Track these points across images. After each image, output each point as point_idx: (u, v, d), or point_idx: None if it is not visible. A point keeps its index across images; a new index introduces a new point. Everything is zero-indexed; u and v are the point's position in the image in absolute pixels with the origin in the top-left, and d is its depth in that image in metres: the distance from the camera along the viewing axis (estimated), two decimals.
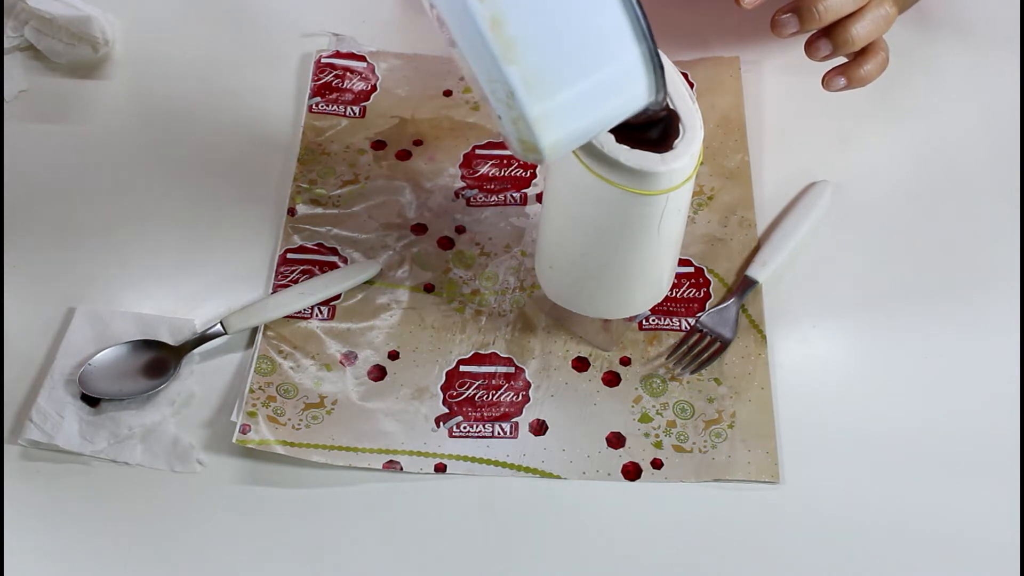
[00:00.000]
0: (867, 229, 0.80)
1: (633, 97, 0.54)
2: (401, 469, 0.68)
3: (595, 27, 0.51)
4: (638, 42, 0.52)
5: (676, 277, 0.75)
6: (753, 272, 0.76)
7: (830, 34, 0.66)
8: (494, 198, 0.81)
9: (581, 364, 0.73)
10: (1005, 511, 0.68)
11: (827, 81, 0.69)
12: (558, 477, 0.68)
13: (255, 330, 0.73)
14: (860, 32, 0.66)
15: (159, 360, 0.71)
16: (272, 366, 0.71)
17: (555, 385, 0.72)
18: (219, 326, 0.72)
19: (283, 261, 0.76)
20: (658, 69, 0.53)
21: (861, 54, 0.68)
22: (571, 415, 0.71)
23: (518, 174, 0.82)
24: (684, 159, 0.60)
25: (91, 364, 0.70)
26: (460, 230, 0.79)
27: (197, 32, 0.90)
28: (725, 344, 0.73)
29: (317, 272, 0.76)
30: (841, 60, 0.68)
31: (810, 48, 0.67)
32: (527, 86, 0.50)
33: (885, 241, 0.80)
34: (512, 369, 0.72)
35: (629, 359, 0.73)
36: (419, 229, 0.79)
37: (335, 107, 0.85)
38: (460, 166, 0.82)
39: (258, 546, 0.65)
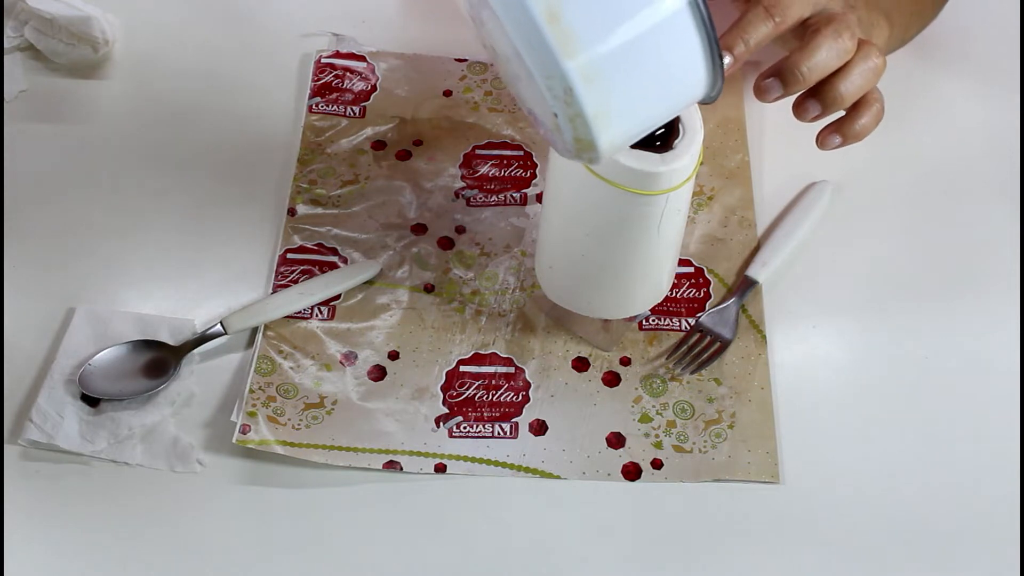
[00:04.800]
0: (867, 229, 0.80)
1: (691, 89, 0.53)
2: (401, 469, 0.68)
3: (652, 17, 0.49)
4: (698, 31, 0.50)
5: (676, 277, 0.75)
6: (753, 272, 0.76)
7: (818, 94, 0.63)
8: (494, 198, 0.81)
9: (581, 364, 0.73)
10: (1005, 510, 0.68)
11: (822, 140, 0.66)
12: (558, 477, 0.68)
13: (255, 330, 0.73)
14: (848, 89, 0.63)
15: (159, 360, 0.71)
16: (272, 366, 0.71)
17: (555, 385, 0.72)
18: (219, 326, 0.72)
19: (283, 261, 0.76)
20: (718, 59, 0.51)
21: (855, 108, 0.65)
22: (571, 415, 0.71)
23: (518, 174, 0.82)
24: (684, 159, 0.60)
25: (91, 364, 0.70)
26: (460, 230, 0.79)
27: (197, 32, 0.90)
28: (725, 344, 0.73)
29: (317, 272, 0.76)
30: (835, 116, 0.67)
31: (798, 110, 0.64)
32: (586, 81, 0.49)
33: (885, 241, 0.80)
34: (512, 369, 0.72)
35: (629, 359, 0.73)
36: (419, 229, 0.79)
37: (335, 107, 0.85)
38: (460, 166, 0.82)
39: (258, 546, 0.65)
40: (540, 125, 0.55)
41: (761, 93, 0.63)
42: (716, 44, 0.51)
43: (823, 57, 0.62)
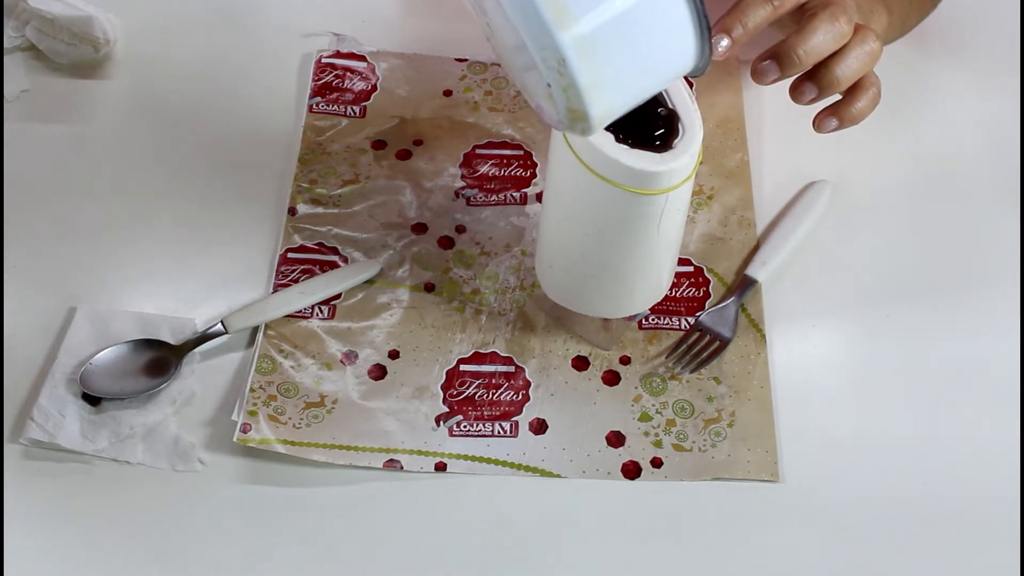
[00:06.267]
0: (866, 229, 0.80)
1: (681, 61, 0.53)
2: (401, 468, 0.68)
3: None
4: (686, 2, 0.51)
5: (676, 276, 0.75)
6: (752, 271, 0.76)
7: (814, 77, 0.63)
8: (494, 198, 0.81)
9: (581, 363, 0.73)
10: (1005, 509, 0.68)
11: (818, 123, 0.66)
12: (558, 476, 0.68)
13: (256, 329, 0.73)
14: (845, 72, 0.63)
15: (160, 359, 0.71)
16: (273, 365, 0.71)
17: (555, 384, 0.72)
18: (220, 325, 0.72)
19: (284, 260, 0.76)
20: (706, 31, 0.52)
21: (851, 91, 0.65)
22: (571, 414, 0.70)
23: (518, 173, 0.82)
24: (684, 159, 0.60)
25: (92, 363, 0.70)
26: (460, 230, 0.79)
27: (198, 32, 0.90)
28: (724, 343, 0.73)
29: (318, 271, 0.76)
30: (831, 99, 0.67)
31: (795, 93, 0.64)
32: (579, 52, 0.50)
33: (884, 241, 0.80)
34: (512, 368, 0.72)
35: (629, 358, 0.73)
36: (419, 228, 0.79)
37: (336, 107, 0.85)
38: (460, 166, 0.82)
39: (259, 545, 0.65)
40: (542, 112, 0.55)
41: (758, 75, 0.63)
42: (704, 16, 0.52)
43: (819, 40, 0.62)
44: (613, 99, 0.53)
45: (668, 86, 0.60)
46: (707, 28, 0.52)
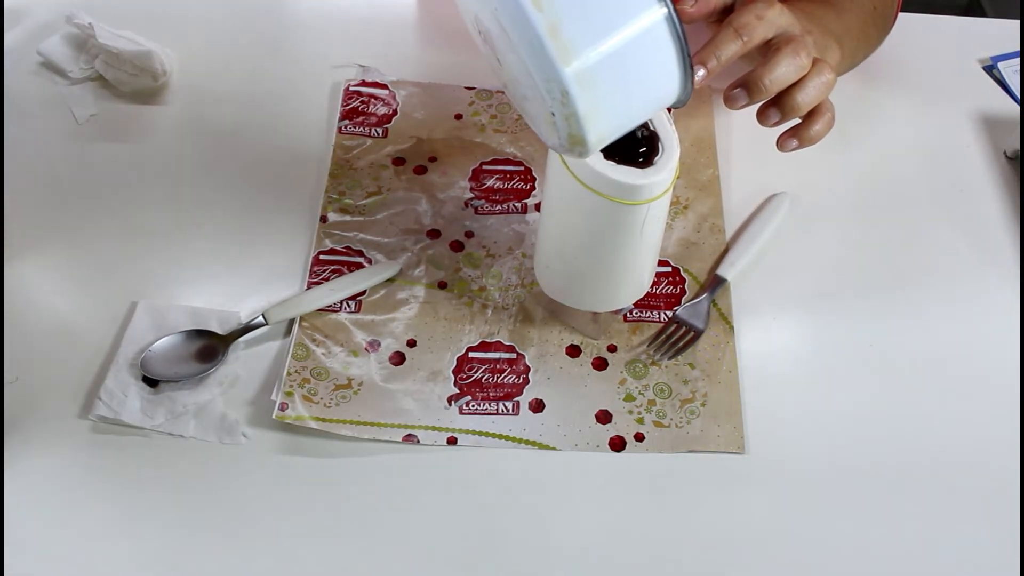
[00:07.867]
0: (820, 234, 0.80)
1: (667, 93, 0.53)
2: (418, 442, 0.67)
3: (635, 30, 0.50)
4: (673, 42, 0.51)
5: (656, 275, 0.74)
6: (722, 271, 0.76)
7: (778, 103, 0.63)
8: (499, 207, 0.80)
9: (574, 351, 0.72)
10: (943, 472, 0.67)
11: (781, 143, 0.66)
12: (554, 448, 0.68)
13: (292, 321, 0.72)
14: (804, 99, 0.63)
15: (209, 347, 0.70)
16: (307, 352, 0.71)
17: (551, 369, 0.71)
18: (261, 318, 0.71)
19: (316, 262, 0.76)
20: (689, 68, 0.52)
21: (809, 116, 0.65)
22: (565, 395, 0.70)
23: (519, 187, 0.81)
24: (663, 174, 0.59)
25: (151, 350, 0.69)
26: (469, 235, 0.78)
27: (243, 64, 0.89)
28: (698, 334, 0.73)
29: (345, 271, 0.75)
30: (792, 123, 0.66)
31: (761, 116, 0.64)
32: (580, 85, 0.49)
33: (835, 244, 0.80)
34: (514, 355, 0.72)
35: (615, 347, 0.72)
36: (434, 234, 0.78)
37: (361, 128, 0.84)
38: (469, 180, 0.82)
39: (294, 507, 0.65)
40: (542, 136, 0.54)
41: (729, 101, 0.63)
42: (688, 54, 0.51)
43: (782, 71, 0.62)
44: (607, 125, 0.52)
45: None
46: (691, 66, 0.51)
